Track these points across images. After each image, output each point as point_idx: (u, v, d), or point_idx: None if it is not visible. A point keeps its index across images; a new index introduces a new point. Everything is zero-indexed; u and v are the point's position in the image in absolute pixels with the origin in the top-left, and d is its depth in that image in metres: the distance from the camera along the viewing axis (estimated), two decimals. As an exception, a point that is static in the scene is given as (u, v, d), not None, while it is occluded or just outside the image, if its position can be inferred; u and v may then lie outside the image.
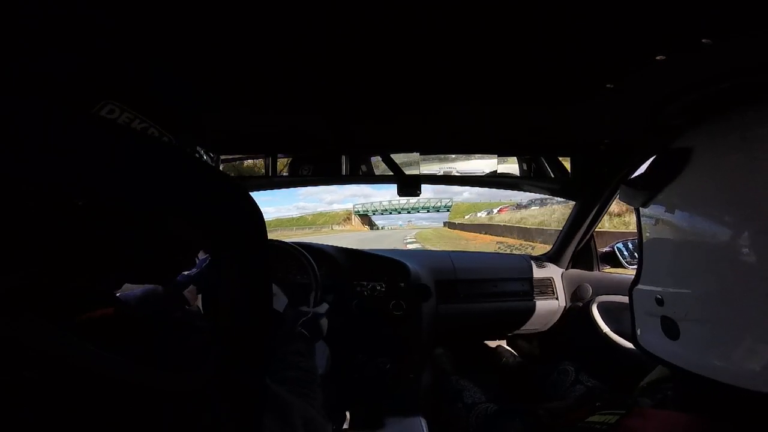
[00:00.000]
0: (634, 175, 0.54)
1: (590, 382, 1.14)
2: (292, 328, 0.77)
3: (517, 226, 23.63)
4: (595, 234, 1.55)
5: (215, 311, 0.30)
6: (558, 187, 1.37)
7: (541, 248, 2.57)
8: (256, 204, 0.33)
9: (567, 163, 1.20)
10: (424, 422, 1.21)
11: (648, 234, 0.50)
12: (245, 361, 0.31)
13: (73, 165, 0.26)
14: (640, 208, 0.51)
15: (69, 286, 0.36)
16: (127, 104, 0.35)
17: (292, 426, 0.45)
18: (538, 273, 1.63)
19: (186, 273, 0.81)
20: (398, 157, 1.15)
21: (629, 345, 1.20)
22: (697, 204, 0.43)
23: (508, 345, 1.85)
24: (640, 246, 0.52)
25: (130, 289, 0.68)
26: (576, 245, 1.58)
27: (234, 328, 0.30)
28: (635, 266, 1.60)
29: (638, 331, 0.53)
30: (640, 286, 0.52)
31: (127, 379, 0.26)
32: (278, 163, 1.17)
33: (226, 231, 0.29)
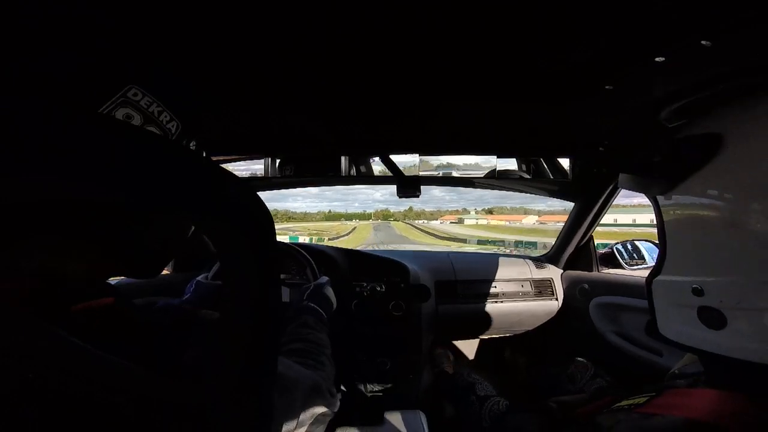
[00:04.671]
0: (643, 163, 0.50)
1: (609, 378, 1.14)
2: (299, 303, 0.79)
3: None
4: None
5: (225, 315, 0.30)
6: (557, 188, 1.37)
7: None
8: (261, 204, 0.32)
9: (566, 164, 1.20)
10: (424, 421, 1.21)
11: (674, 223, 0.47)
12: (258, 365, 0.30)
13: (74, 165, 0.26)
14: (658, 197, 0.48)
15: (68, 276, 0.36)
16: (148, 90, 0.37)
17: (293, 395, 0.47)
18: (537, 274, 1.63)
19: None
20: (398, 158, 1.15)
21: (628, 345, 1.21)
22: (742, 188, 0.40)
23: (507, 345, 1.85)
24: (662, 235, 0.49)
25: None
26: (575, 246, 1.58)
27: (244, 330, 0.29)
28: (634, 267, 1.59)
29: (662, 322, 0.50)
30: (662, 277, 0.49)
31: (130, 387, 0.26)
32: (278, 163, 1.17)
33: (227, 231, 0.29)
